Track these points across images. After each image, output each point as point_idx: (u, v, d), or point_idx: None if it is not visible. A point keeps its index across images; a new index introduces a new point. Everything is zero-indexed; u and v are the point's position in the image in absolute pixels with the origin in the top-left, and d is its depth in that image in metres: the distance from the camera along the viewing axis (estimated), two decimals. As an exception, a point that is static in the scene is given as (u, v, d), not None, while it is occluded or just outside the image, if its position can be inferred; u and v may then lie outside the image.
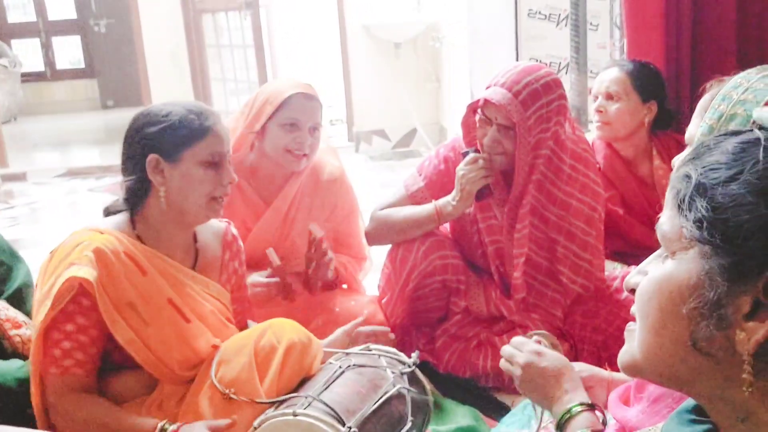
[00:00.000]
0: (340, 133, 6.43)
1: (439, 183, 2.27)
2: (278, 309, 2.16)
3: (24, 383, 1.68)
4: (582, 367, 1.48)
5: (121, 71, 9.41)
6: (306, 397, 1.59)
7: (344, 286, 2.49)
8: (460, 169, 2.13)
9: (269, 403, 1.60)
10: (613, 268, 2.36)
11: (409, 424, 1.64)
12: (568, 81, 3.07)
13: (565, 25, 3.79)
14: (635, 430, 1.16)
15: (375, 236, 2.34)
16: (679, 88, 2.68)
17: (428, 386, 1.80)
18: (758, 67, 1.18)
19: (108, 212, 1.78)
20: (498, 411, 2.08)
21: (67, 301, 1.57)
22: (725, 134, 0.74)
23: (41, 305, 1.58)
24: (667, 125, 2.58)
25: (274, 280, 2.23)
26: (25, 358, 1.81)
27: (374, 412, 1.60)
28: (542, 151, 2.12)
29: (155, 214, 1.71)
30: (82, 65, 10.23)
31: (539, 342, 1.39)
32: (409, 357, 1.78)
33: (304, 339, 1.72)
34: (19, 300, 1.98)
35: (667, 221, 0.74)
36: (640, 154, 2.58)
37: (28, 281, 2.03)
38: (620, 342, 0.80)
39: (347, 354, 1.79)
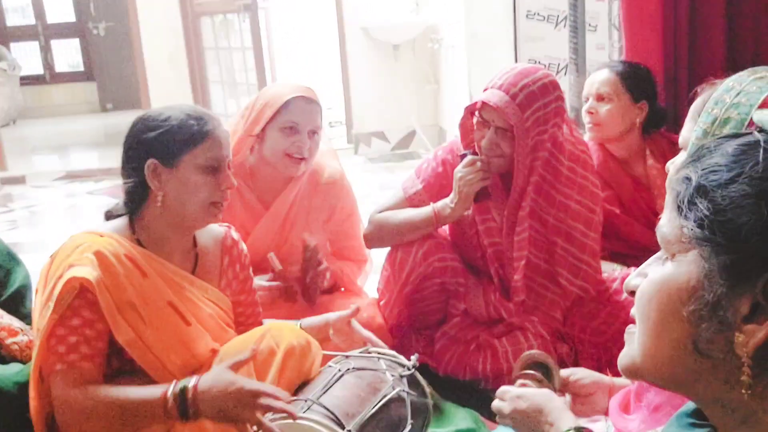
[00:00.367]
0: (339, 135, 6.43)
1: (437, 186, 2.27)
2: (278, 312, 2.16)
3: (23, 387, 1.67)
4: (584, 374, 1.48)
5: (120, 74, 9.41)
6: (305, 401, 1.59)
7: (341, 290, 2.49)
8: (458, 171, 2.13)
9: (269, 406, 1.60)
10: (612, 270, 2.36)
11: (408, 427, 1.64)
12: (566, 82, 3.07)
13: (564, 26, 3.80)
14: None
15: (373, 239, 2.34)
16: (677, 89, 2.69)
17: (428, 389, 1.80)
18: (749, 69, 1.18)
19: (109, 216, 1.78)
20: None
21: (70, 301, 1.56)
22: (725, 137, 0.74)
23: (44, 308, 1.57)
24: (660, 125, 2.59)
25: (276, 284, 2.23)
26: (23, 364, 1.80)
27: (374, 415, 1.60)
28: (540, 153, 2.12)
29: (154, 218, 1.70)
30: (81, 68, 10.23)
31: (524, 385, 1.43)
32: (409, 359, 1.78)
33: (302, 342, 1.72)
34: (18, 302, 1.98)
35: (667, 223, 0.74)
36: (634, 155, 2.59)
37: (26, 283, 2.02)
38: (620, 344, 0.80)
39: (346, 357, 1.78)
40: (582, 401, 1.46)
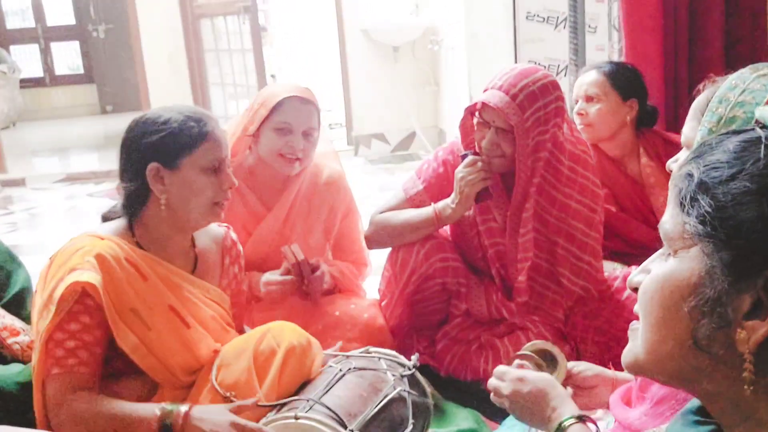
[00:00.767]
0: (339, 136, 6.43)
1: (437, 186, 2.27)
2: (279, 312, 2.16)
3: (25, 387, 1.67)
4: (586, 367, 1.48)
5: (120, 76, 9.42)
6: (307, 401, 1.59)
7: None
8: (459, 171, 2.13)
9: (270, 406, 1.60)
10: (613, 269, 2.36)
11: (410, 427, 1.64)
12: (566, 83, 3.07)
13: (564, 27, 3.80)
14: (638, 431, 1.16)
15: (374, 240, 2.34)
16: (677, 89, 2.69)
17: (429, 389, 1.80)
18: (751, 66, 1.18)
19: (105, 218, 1.77)
20: (499, 414, 2.06)
21: (71, 305, 1.55)
22: (727, 133, 0.74)
23: (44, 310, 1.57)
24: (652, 123, 2.59)
25: (289, 278, 2.23)
26: (24, 364, 1.80)
27: (375, 414, 1.60)
28: (541, 153, 2.12)
29: (155, 220, 1.70)
30: (81, 71, 10.25)
31: (522, 366, 1.40)
32: (409, 360, 1.78)
33: (303, 342, 1.72)
34: (19, 304, 1.98)
35: (670, 220, 0.74)
36: (628, 154, 2.59)
37: (27, 286, 2.03)
38: (623, 343, 0.80)
39: (347, 357, 1.78)
40: (584, 394, 1.45)
